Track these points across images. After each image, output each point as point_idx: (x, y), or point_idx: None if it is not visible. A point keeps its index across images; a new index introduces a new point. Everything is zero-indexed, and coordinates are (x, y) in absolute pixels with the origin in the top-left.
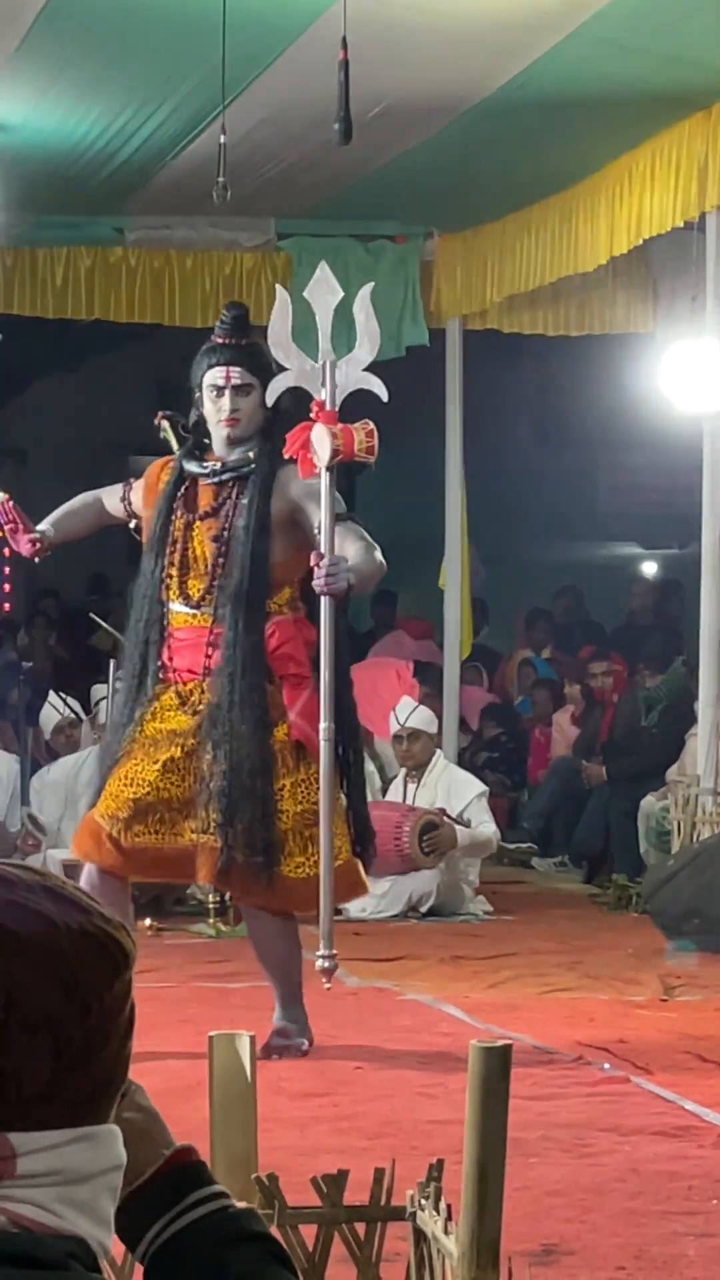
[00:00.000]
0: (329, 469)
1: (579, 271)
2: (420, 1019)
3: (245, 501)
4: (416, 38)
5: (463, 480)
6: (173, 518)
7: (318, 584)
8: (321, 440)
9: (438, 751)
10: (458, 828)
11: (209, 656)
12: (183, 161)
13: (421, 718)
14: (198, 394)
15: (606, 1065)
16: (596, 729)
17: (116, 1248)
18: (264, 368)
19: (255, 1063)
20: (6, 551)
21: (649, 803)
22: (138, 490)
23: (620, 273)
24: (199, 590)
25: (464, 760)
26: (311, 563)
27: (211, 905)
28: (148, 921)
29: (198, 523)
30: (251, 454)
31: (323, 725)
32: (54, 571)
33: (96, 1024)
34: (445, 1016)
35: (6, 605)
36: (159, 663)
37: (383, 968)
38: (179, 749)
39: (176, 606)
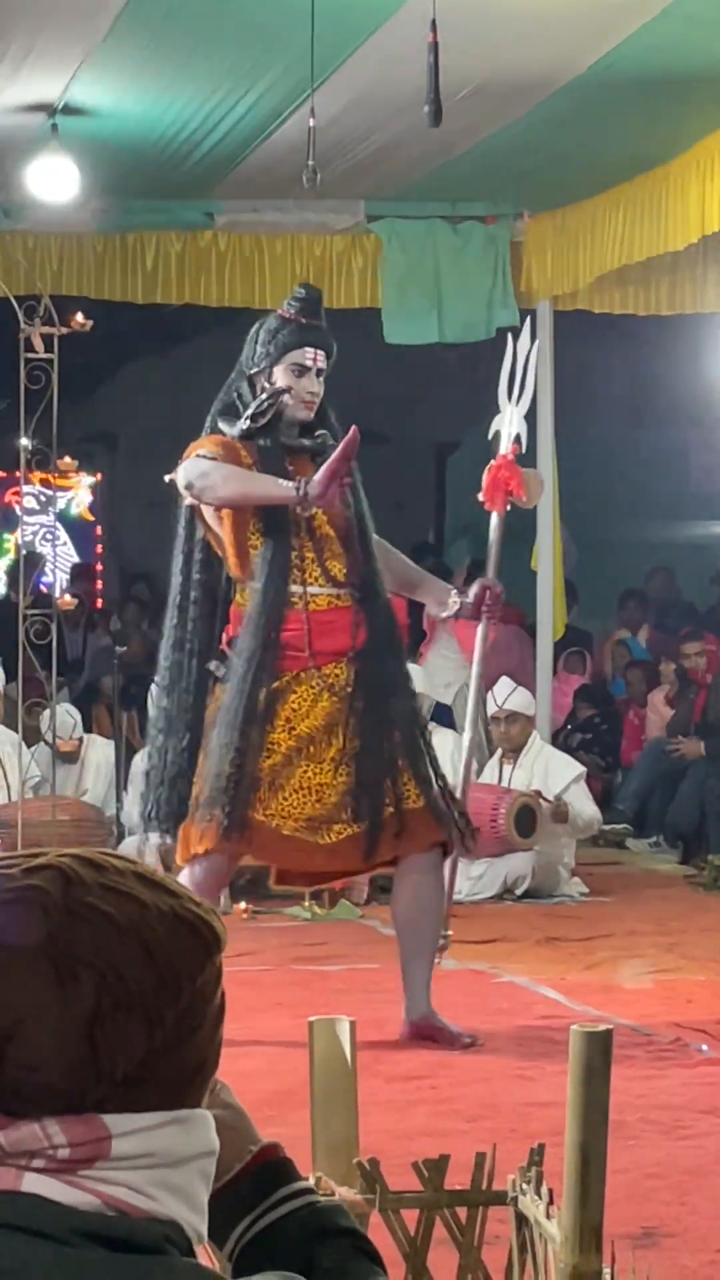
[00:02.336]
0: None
1: (669, 250)
2: (517, 1001)
3: (350, 483)
4: (505, 18)
5: (554, 461)
6: None
7: (489, 611)
8: (539, 488)
9: (534, 733)
10: (570, 805)
11: (358, 635)
12: (272, 145)
13: (520, 700)
14: (260, 368)
15: (704, 1047)
16: (690, 709)
17: None
18: (334, 354)
19: (355, 1048)
20: (98, 530)
21: None
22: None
23: (711, 251)
24: (343, 571)
25: (557, 742)
26: (482, 592)
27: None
28: (243, 905)
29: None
30: (329, 439)
31: (467, 735)
32: (144, 555)
33: (189, 1006)
34: (542, 998)
35: (99, 584)
36: (290, 649)
37: (479, 950)
38: (338, 739)
39: (317, 589)
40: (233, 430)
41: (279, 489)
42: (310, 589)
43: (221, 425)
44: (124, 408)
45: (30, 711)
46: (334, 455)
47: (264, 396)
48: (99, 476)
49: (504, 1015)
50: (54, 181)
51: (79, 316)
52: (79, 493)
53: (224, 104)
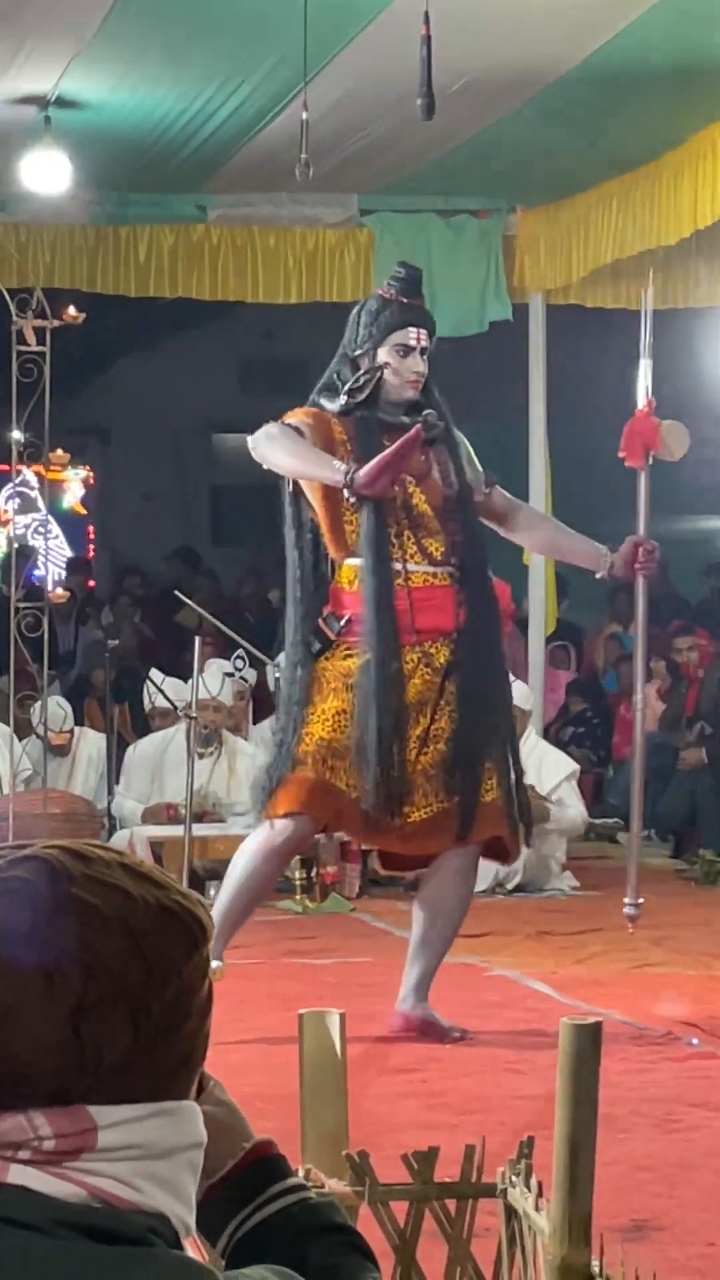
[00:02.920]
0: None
1: (662, 245)
2: (507, 994)
3: (450, 461)
4: (498, 12)
5: (546, 454)
6: None
7: (645, 568)
8: (683, 436)
9: (530, 728)
10: (550, 808)
11: (459, 615)
12: (265, 139)
13: (519, 693)
14: (363, 350)
15: (695, 1040)
16: (682, 704)
17: None
18: (434, 332)
19: (345, 1040)
20: (90, 529)
21: None
22: (310, 438)
23: (704, 246)
24: (440, 550)
25: (549, 736)
26: (633, 548)
27: (298, 882)
28: None
29: (413, 481)
30: (435, 417)
31: (637, 696)
32: (136, 548)
33: (175, 998)
34: (532, 992)
35: (91, 582)
36: (395, 626)
37: (470, 943)
38: (425, 717)
39: (414, 566)
40: (332, 405)
41: (329, 470)
42: (409, 565)
43: (321, 401)
44: (116, 401)
45: (21, 705)
46: (391, 449)
47: (361, 373)
48: (90, 470)
49: (494, 1009)
50: (47, 174)
51: (71, 310)
52: (71, 486)
53: (217, 97)
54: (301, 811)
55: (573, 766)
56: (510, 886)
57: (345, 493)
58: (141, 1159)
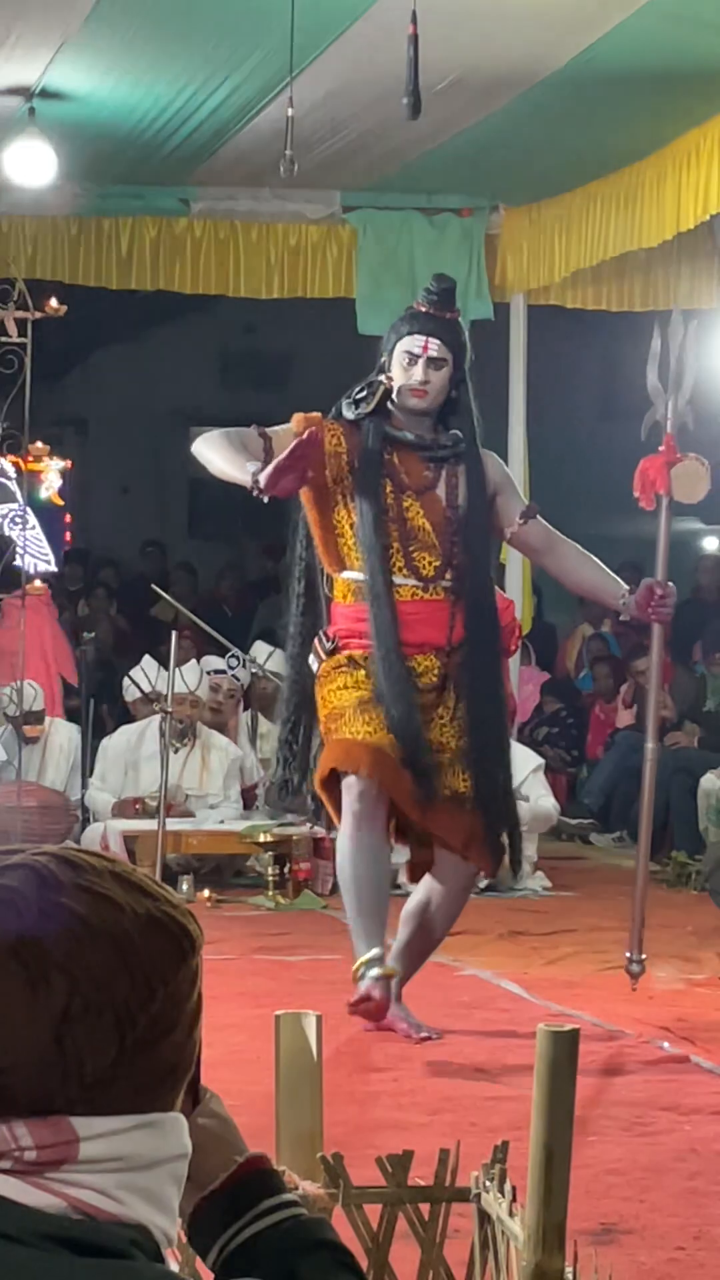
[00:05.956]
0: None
1: (644, 246)
2: (479, 995)
3: (463, 480)
4: (485, 12)
5: (526, 455)
6: (384, 486)
7: (659, 614)
8: (700, 479)
9: None
10: (519, 804)
11: (452, 631)
12: (249, 134)
13: None
14: (385, 358)
15: (666, 1044)
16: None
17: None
18: (461, 346)
19: (321, 1042)
20: (68, 518)
21: (709, 780)
22: (279, 445)
23: (685, 248)
24: (432, 566)
25: (523, 736)
26: (649, 592)
27: (271, 878)
28: (206, 893)
29: (412, 495)
30: (459, 433)
31: (649, 746)
32: (112, 541)
33: (162, 1009)
34: (504, 993)
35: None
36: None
37: (442, 942)
38: (426, 731)
39: (400, 579)
40: (350, 415)
41: (239, 471)
42: (395, 579)
43: (344, 408)
44: (94, 393)
45: None
46: (285, 451)
47: (361, 383)
48: (69, 462)
49: (466, 1009)
50: (30, 165)
51: (53, 301)
52: (49, 477)
53: (202, 91)
54: (351, 770)
55: (538, 760)
56: (482, 886)
57: (254, 492)
58: (124, 1171)
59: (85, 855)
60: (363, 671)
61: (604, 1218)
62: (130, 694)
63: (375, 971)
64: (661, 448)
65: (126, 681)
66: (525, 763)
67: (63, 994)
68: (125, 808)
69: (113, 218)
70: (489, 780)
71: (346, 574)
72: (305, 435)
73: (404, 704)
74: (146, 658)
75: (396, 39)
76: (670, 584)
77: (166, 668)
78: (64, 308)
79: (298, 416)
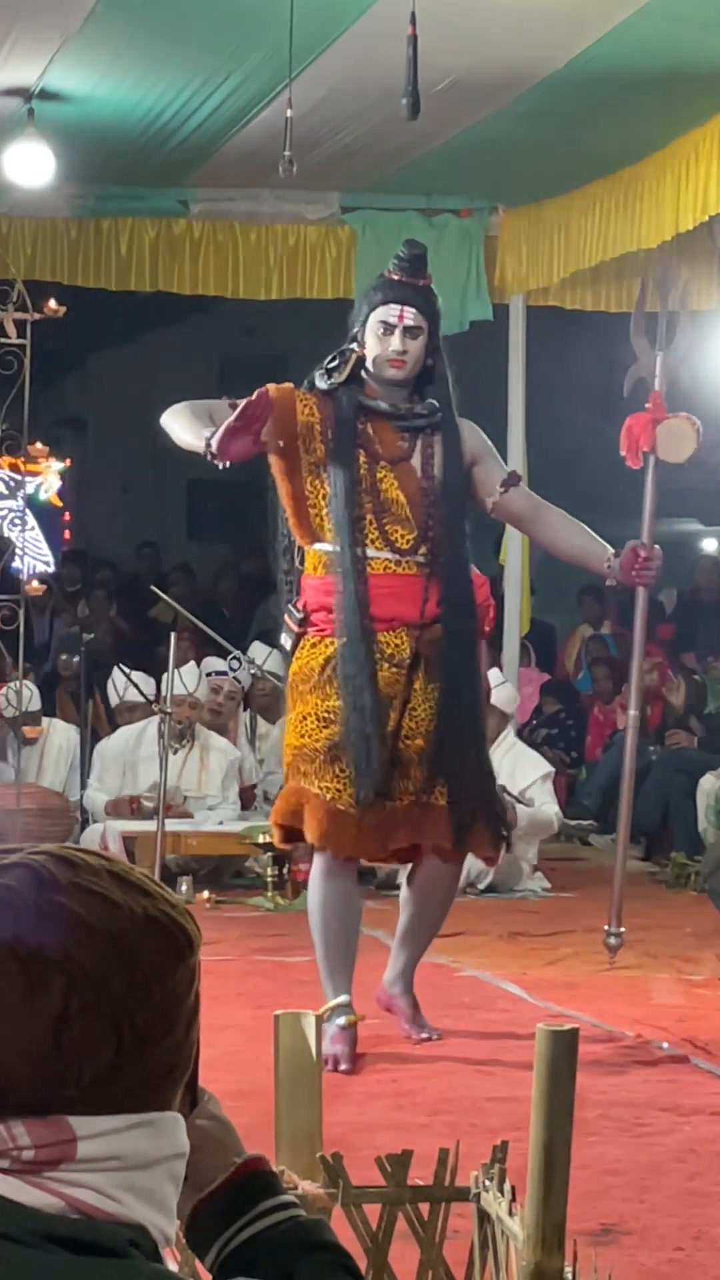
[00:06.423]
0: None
1: (643, 248)
2: (478, 995)
3: (440, 451)
4: (484, 12)
5: (525, 456)
6: (357, 457)
7: (643, 577)
8: (687, 437)
9: (510, 729)
10: (519, 807)
11: (426, 607)
12: (248, 134)
13: (503, 695)
14: (357, 328)
15: (665, 1044)
16: (645, 719)
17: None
18: (435, 314)
19: (320, 1042)
20: (67, 516)
21: (708, 781)
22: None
23: (685, 249)
24: (407, 538)
25: (522, 737)
26: (633, 555)
27: (270, 878)
28: (206, 894)
29: (386, 466)
30: (436, 402)
31: (631, 713)
32: (111, 541)
33: (159, 1009)
34: (503, 993)
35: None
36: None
37: (441, 943)
38: (395, 712)
39: (374, 552)
40: (323, 384)
41: (195, 437)
42: (369, 552)
43: (316, 378)
44: (93, 394)
45: None
46: (234, 413)
47: (334, 353)
48: (69, 462)
49: (465, 1010)
50: (29, 167)
51: (52, 303)
52: (48, 478)
53: (201, 92)
54: (282, 824)
55: (547, 768)
56: (481, 887)
57: (210, 459)
58: (121, 1170)
59: (83, 854)
60: (333, 688)
61: (604, 1218)
62: (116, 699)
63: (341, 1020)
64: (648, 405)
65: (111, 686)
66: (534, 768)
67: (60, 993)
68: (120, 806)
69: (112, 219)
70: (461, 763)
71: (319, 545)
72: (254, 395)
73: (367, 697)
74: (116, 670)
75: (395, 40)
76: (656, 547)
77: (151, 673)
78: (63, 309)
79: (269, 387)
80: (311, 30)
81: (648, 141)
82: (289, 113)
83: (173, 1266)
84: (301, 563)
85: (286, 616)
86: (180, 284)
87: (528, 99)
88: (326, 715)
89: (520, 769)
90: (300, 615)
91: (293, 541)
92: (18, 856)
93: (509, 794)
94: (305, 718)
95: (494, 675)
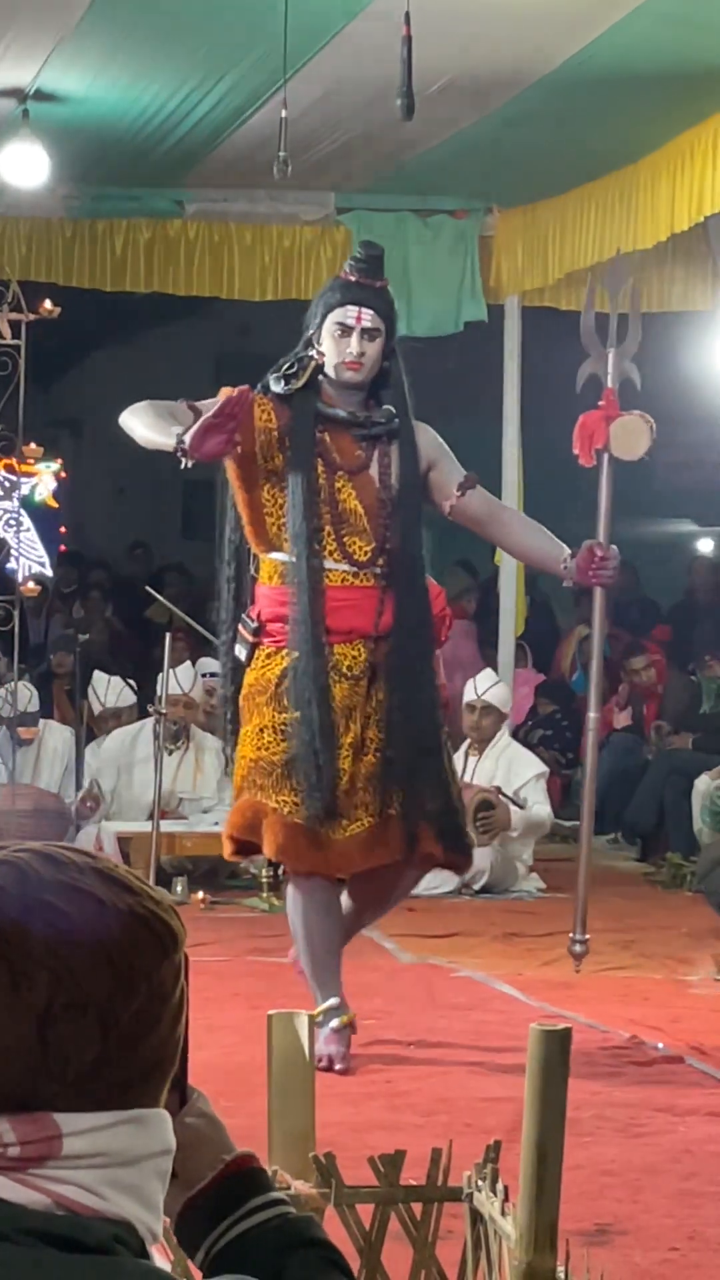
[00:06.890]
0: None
1: (639, 248)
2: (473, 996)
3: (396, 459)
4: (479, 13)
5: (520, 456)
6: (316, 467)
7: (599, 577)
8: (640, 435)
9: (505, 729)
10: (512, 808)
11: (381, 620)
12: (243, 135)
13: (498, 694)
14: (312, 330)
15: (660, 1045)
16: (641, 718)
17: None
18: (392, 316)
19: (313, 1042)
20: (62, 530)
21: (704, 782)
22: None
23: (680, 250)
24: (365, 550)
25: (517, 737)
26: (589, 554)
27: (265, 879)
28: (200, 895)
29: (345, 476)
30: (392, 408)
31: (591, 715)
32: (106, 543)
33: (145, 1006)
34: (498, 994)
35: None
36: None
37: (436, 944)
38: (355, 724)
39: (333, 564)
40: (278, 389)
41: (164, 436)
42: (327, 563)
43: (270, 382)
44: (88, 395)
45: None
46: (213, 409)
47: (290, 356)
48: (59, 463)
49: (460, 1010)
50: (24, 167)
51: (47, 303)
52: (43, 479)
53: (196, 93)
54: (235, 836)
55: (541, 768)
56: (476, 888)
57: (179, 456)
58: (107, 1166)
59: (67, 852)
60: (290, 700)
61: (598, 1218)
62: (98, 707)
63: (335, 1022)
64: (601, 402)
65: (90, 694)
66: (528, 768)
67: (45, 990)
68: (80, 807)
69: (107, 220)
70: (412, 773)
71: (275, 555)
72: (235, 393)
73: (318, 712)
74: (97, 673)
75: (390, 40)
76: (613, 546)
77: (128, 680)
78: (58, 310)
79: (225, 390)
80: (306, 31)
81: (643, 142)
82: (284, 114)
83: (165, 1265)
84: (256, 570)
85: (241, 626)
86: (175, 285)
87: (523, 100)
88: (284, 728)
89: (515, 769)
90: (255, 625)
91: (242, 546)
92: (2, 854)
93: (504, 795)
94: (263, 730)
95: (487, 675)
